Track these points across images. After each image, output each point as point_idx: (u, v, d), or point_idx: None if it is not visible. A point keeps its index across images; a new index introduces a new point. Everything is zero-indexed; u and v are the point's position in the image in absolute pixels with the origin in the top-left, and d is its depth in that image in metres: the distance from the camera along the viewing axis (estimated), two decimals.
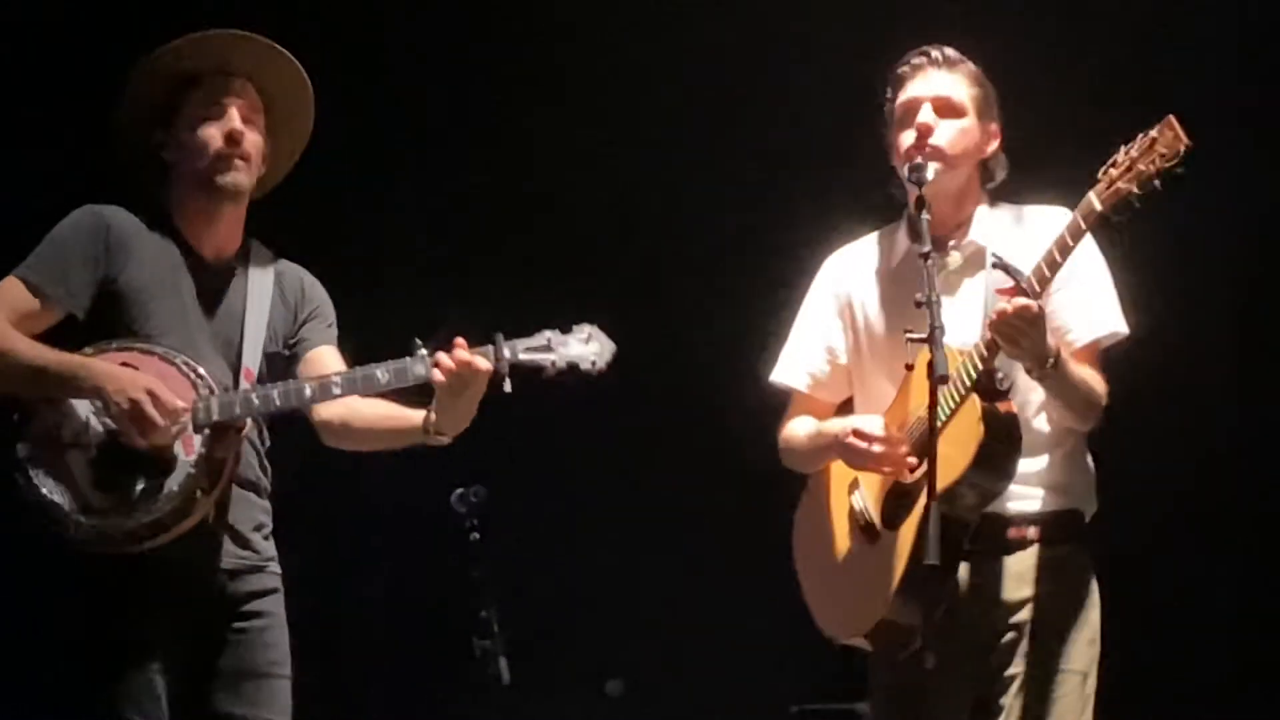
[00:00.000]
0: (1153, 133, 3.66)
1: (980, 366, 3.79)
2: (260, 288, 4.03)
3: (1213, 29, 5.46)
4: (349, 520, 5.91)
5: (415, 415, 3.92)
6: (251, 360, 3.98)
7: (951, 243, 4.01)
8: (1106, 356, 3.96)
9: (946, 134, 3.95)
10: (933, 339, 3.63)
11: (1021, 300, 3.69)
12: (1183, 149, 3.61)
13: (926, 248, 3.75)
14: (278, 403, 3.88)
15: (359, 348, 4.08)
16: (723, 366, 5.74)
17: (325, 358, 4.08)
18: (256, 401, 3.88)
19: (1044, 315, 3.73)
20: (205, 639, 3.87)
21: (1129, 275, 3.98)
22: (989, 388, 3.81)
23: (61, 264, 3.87)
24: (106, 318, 3.88)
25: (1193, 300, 5.27)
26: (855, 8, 5.59)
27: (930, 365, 3.62)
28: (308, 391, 3.90)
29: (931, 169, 3.87)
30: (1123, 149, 3.68)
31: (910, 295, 3.75)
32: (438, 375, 3.81)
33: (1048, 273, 3.73)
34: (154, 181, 4.02)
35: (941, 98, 3.98)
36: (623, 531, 5.97)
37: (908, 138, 3.95)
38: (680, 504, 5.87)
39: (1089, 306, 3.92)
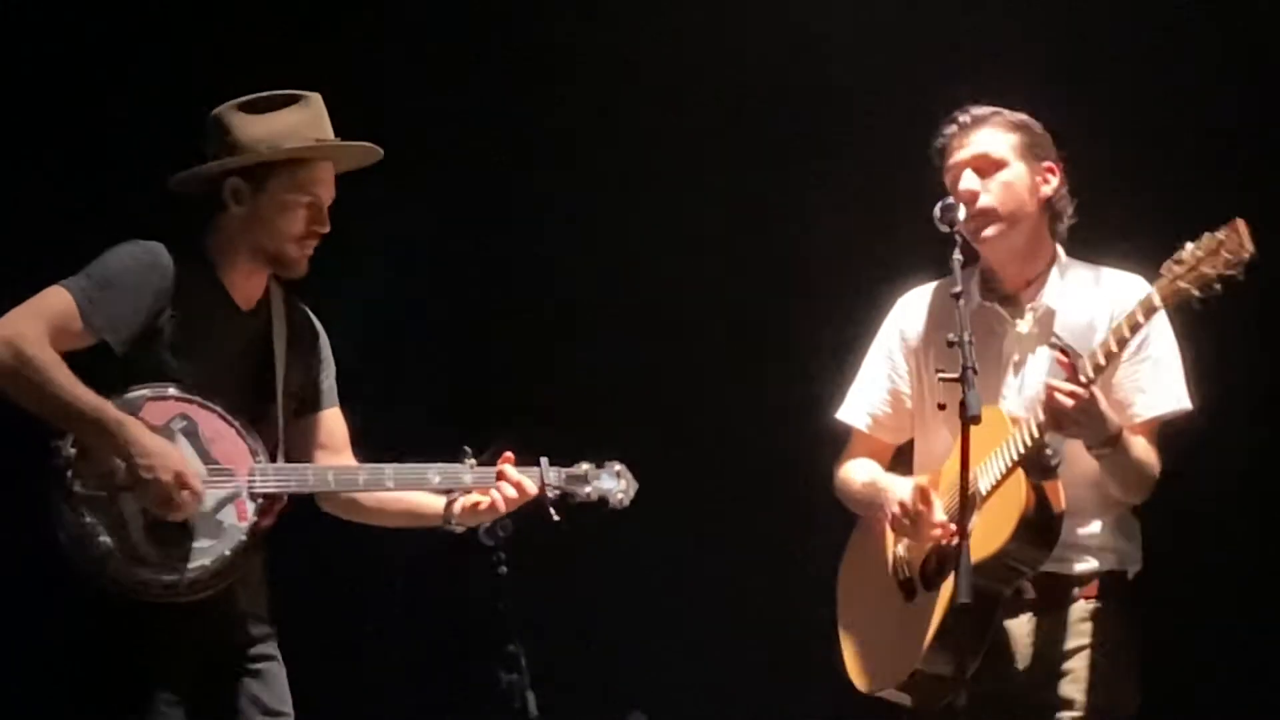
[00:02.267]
0: (1220, 235, 3.71)
1: (1030, 443, 3.80)
2: (281, 336, 4.10)
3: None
4: (375, 553, 5.92)
5: (433, 503, 4.10)
6: (283, 417, 4.05)
7: (1028, 305, 4.01)
8: (1165, 430, 4.03)
9: (993, 193, 3.98)
10: (964, 379, 3.67)
11: (1069, 387, 3.71)
12: (1246, 257, 3.67)
13: (958, 288, 3.81)
14: (331, 485, 4.03)
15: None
16: (751, 401, 5.77)
17: (333, 423, 4.19)
18: (312, 479, 4.01)
19: (1096, 401, 3.78)
20: (222, 681, 3.98)
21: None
22: (1038, 464, 3.89)
23: (112, 297, 3.87)
24: (148, 360, 3.91)
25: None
26: (910, 51, 5.60)
27: (962, 405, 3.65)
28: (361, 479, 4.03)
29: (962, 210, 3.90)
30: (1189, 246, 3.74)
31: (980, 344, 3.83)
32: (497, 497, 4.04)
33: (1103, 361, 3.80)
34: (200, 212, 4.04)
35: (978, 156, 4.03)
36: (648, 564, 5.98)
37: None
38: (706, 537, 5.88)
39: (1154, 381, 4.00)
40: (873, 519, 4.18)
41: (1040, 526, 3.86)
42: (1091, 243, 4.19)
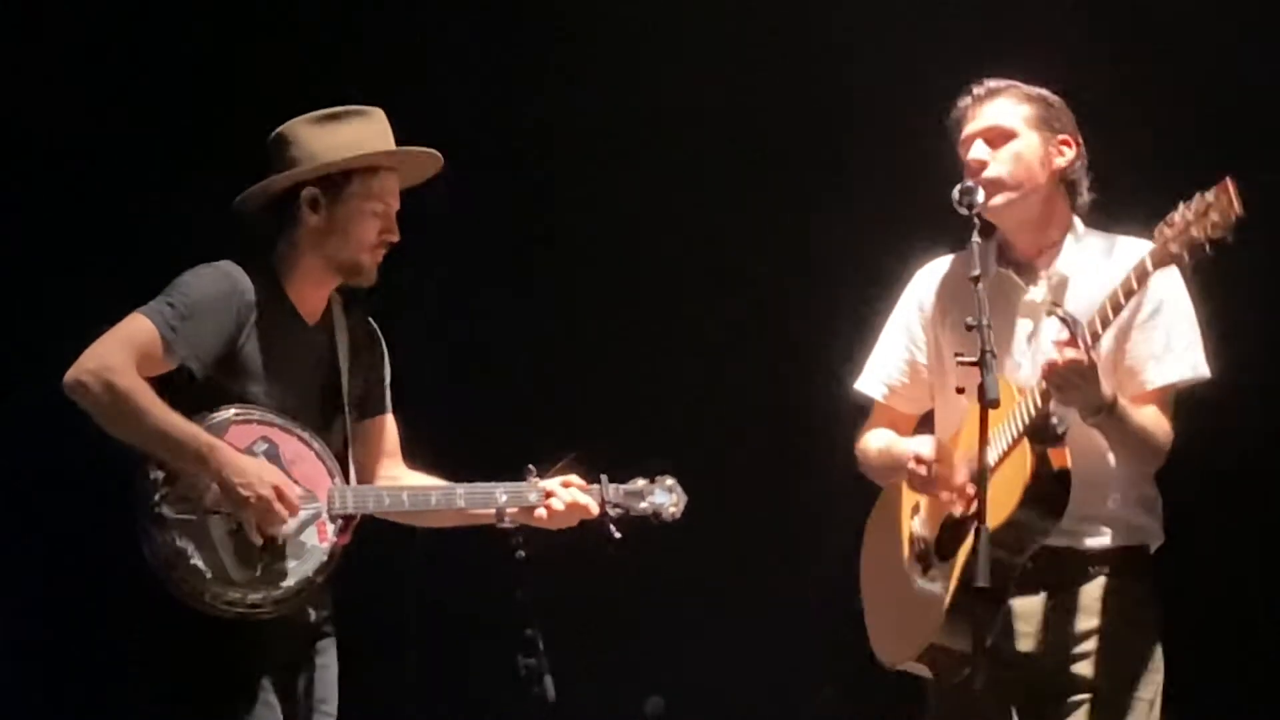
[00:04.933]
0: (1209, 196, 3.72)
1: (1034, 412, 3.81)
2: (344, 347, 4.20)
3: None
4: (392, 540, 5.95)
5: (485, 509, 4.22)
6: (351, 430, 4.17)
7: (1042, 272, 4.02)
8: (1179, 398, 4.05)
9: (1001, 162, 4.00)
10: (983, 363, 3.69)
11: (1071, 353, 3.73)
12: (1234, 218, 3.66)
13: (976, 271, 3.83)
14: (406, 505, 4.18)
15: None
16: (772, 384, 5.78)
17: (387, 428, 4.32)
18: (387, 500, 4.16)
19: (1095, 368, 3.82)
20: (291, 683, 4.11)
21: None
22: (1043, 432, 3.91)
23: (195, 324, 3.96)
24: (229, 383, 4.01)
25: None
26: (940, 21, 5.61)
27: (981, 389, 3.65)
28: (433, 499, 4.19)
29: (980, 193, 3.90)
30: (1180, 207, 3.76)
31: (996, 310, 3.85)
32: (546, 511, 4.19)
33: (1100, 328, 3.85)
34: (270, 225, 4.13)
35: (989, 128, 4.06)
36: (665, 550, 5.98)
37: (968, 178, 3.99)
38: (724, 521, 5.89)
39: (1166, 349, 4.01)
40: (891, 491, 4.19)
41: (1047, 494, 3.89)
42: (1112, 213, 4.21)
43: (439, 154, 4.21)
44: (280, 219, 4.10)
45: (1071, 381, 3.79)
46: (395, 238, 4.12)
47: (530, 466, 4.21)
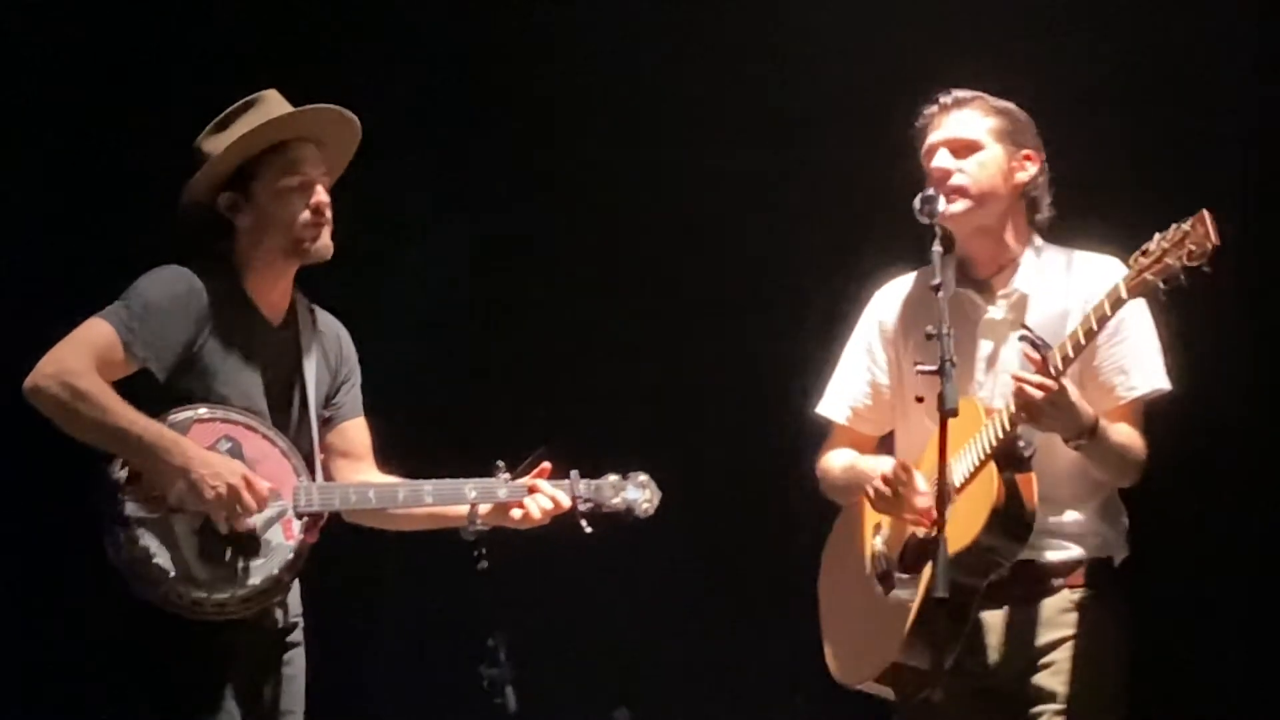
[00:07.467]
0: (1185, 226, 3.71)
1: (1001, 435, 3.79)
2: (309, 349, 4.20)
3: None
4: (355, 550, 5.92)
5: (458, 508, 4.19)
6: (318, 431, 4.17)
7: (1000, 291, 4.00)
8: (1148, 411, 4.06)
9: (966, 172, 3.98)
10: (942, 372, 3.68)
11: (1039, 379, 3.70)
12: (1210, 248, 3.65)
13: (937, 280, 3.83)
14: (373, 503, 4.17)
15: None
16: (745, 397, 5.76)
17: (356, 432, 4.31)
18: (354, 497, 4.15)
19: (1066, 393, 3.81)
20: (257, 690, 4.08)
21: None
22: (1011, 455, 3.92)
23: (153, 326, 3.96)
24: (190, 383, 4.00)
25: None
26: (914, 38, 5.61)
27: (940, 398, 3.63)
28: (400, 495, 4.17)
29: (942, 201, 3.89)
30: (1156, 237, 3.75)
31: (958, 334, 3.83)
32: (524, 513, 4.16)
33: (1071, 353, 3.84)
34: (216, 239, 4.12)
35: (954, 139, 4.07)
36: (631, 560, 5.96)
37: (930, 186, 3.97)
38: (691, 534, 5.87)
39: (1135, 362, 4.03)
40: (852, 510, 4.17)
41: (1012, 520, 3.90)
42: (1075, 229, 4.22)
43: (330, 107, 4.12)
44: (222, 229, 4.09)
45: (1043, 409, 3.79)
46: (325, 201, 4.06)
47: (499, 462, 4.22)
